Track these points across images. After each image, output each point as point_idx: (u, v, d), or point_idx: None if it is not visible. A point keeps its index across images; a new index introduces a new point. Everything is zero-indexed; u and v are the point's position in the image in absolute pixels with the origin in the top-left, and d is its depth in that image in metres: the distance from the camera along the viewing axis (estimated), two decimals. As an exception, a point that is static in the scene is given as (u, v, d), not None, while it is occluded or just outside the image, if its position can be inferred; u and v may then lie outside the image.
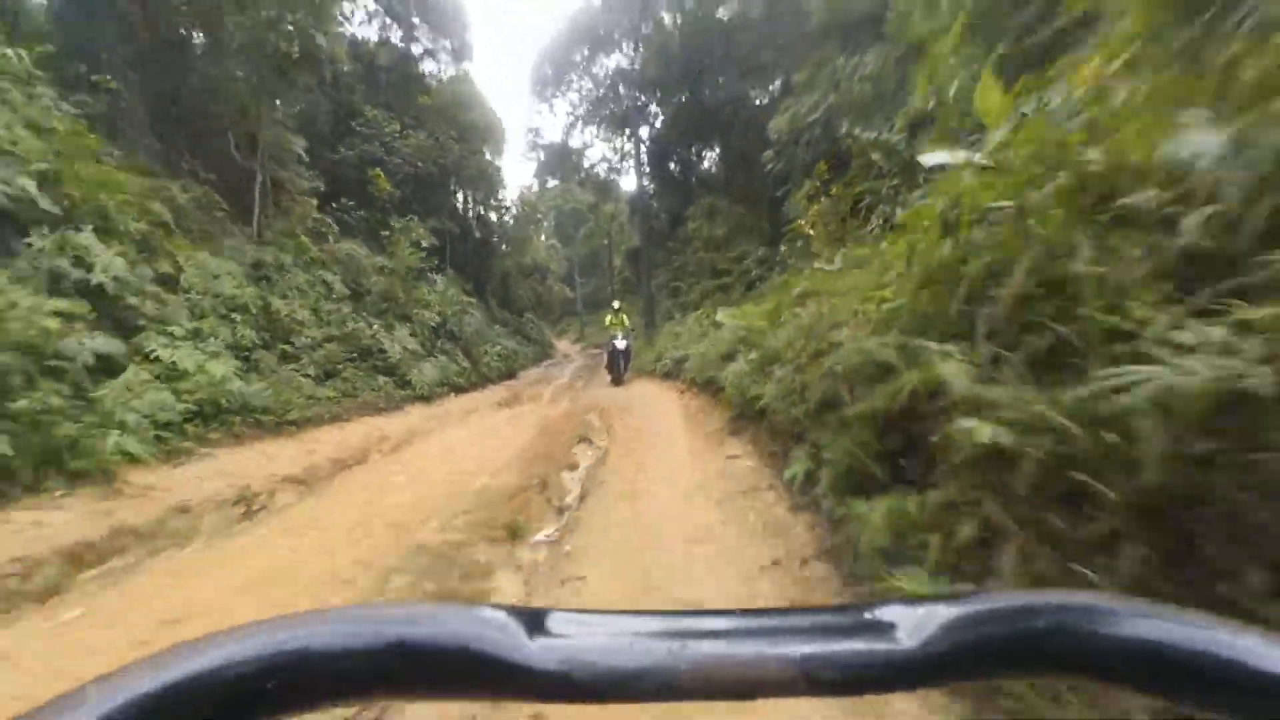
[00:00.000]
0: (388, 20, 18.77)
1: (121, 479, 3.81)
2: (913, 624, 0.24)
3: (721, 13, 17.12)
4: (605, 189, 34.00)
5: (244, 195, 8.91)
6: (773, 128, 10.55)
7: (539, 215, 36.59)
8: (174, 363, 5.05)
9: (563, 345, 30.09)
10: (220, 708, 0.20)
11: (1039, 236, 1.86)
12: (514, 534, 2.93)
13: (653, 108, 24.53)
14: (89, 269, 4.96)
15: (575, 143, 30.05)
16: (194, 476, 4.14)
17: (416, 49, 20.51)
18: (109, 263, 5.12)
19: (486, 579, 2.50)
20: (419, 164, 15.60)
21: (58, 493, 3.50)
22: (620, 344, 10.75)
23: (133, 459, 4.02)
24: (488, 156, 22.27)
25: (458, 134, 18.27)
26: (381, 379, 8.03)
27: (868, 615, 0.24)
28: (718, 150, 21.51)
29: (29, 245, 4.78)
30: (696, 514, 3.12)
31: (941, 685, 0.24)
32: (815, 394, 3.00)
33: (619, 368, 10.73)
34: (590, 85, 28.78)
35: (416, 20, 19.76)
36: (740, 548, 2.63)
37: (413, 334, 9.92)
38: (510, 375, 14.03)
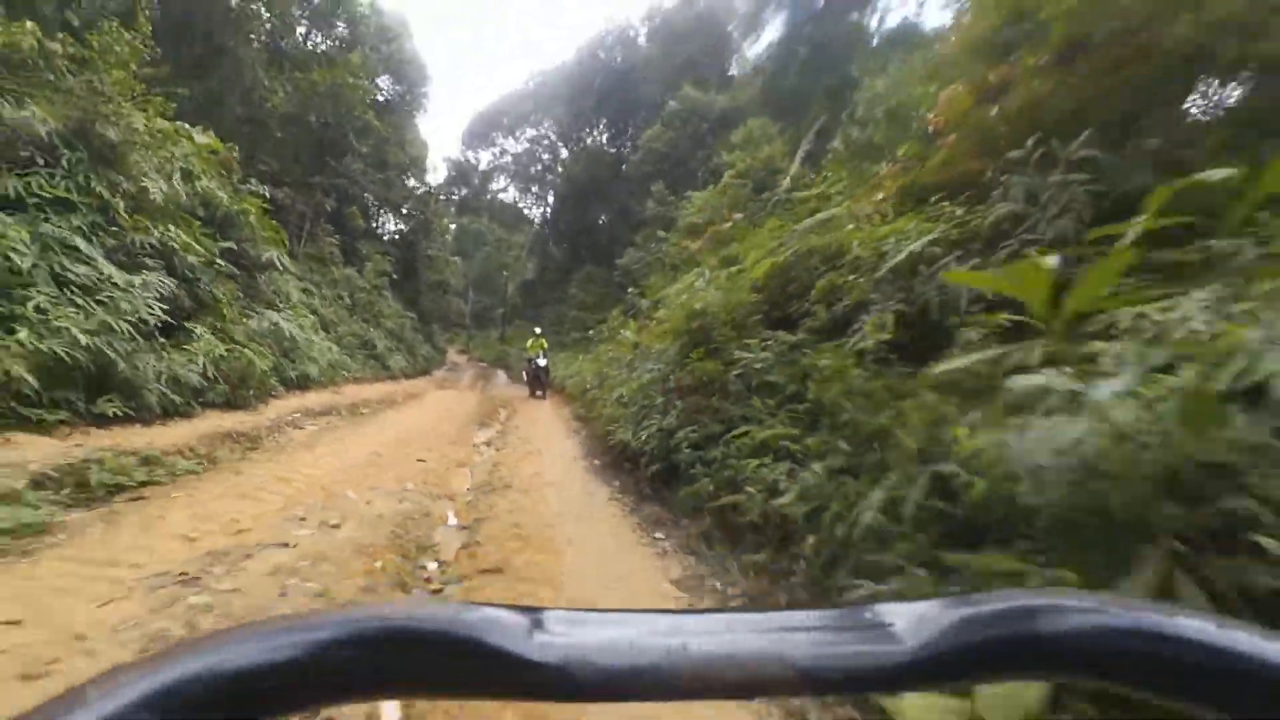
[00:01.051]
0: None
1: (313, 389, 9.04)
2: (913, 624, 0.24)
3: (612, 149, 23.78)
4: (512, 224, 39.64)
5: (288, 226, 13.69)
6: (621, 263, 16.99)
7: (446, 235, 40.98)
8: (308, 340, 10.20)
9: (450, 354, 33.12)
10: (219, 707, 0.20)
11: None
12: (488, 420, 8.76)
13: (559, 173, 30.85)
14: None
15: (492, 184, 35.75)
16: (346, 392, 9.47)
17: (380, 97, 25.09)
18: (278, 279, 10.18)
19: (483, 427, 8.31)
20: (374, 198, 20.43)
21: (297, 391, 8.71)
22: (541, 362, 12.09)
23: (316, 380, 9.26)
24: (426, 186, 27.00)
25: (402, 171, 23.17)
26: (373, 362, 13.16)
27: (867, 615, 0.24)
28: (605, 220, 28.01)
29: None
30: (550, 421, 9.16)
31: (942, 685, 0.23)
32: (591, 393, 9.18)
33: (540, 382, 12.06)
34: (511, 143, 34.80)
35: (386, 79, 24.47)
36: (560, 429, 8.68)
37: (381, 335, 15.00)
38: (426, 372, 19.07)
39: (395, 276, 20.05)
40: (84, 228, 5.38)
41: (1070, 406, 1.57)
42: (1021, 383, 1.73)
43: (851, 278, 3.57)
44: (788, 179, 8.54)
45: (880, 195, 4.33)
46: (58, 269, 4.87)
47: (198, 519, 3.20)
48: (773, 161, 9.95)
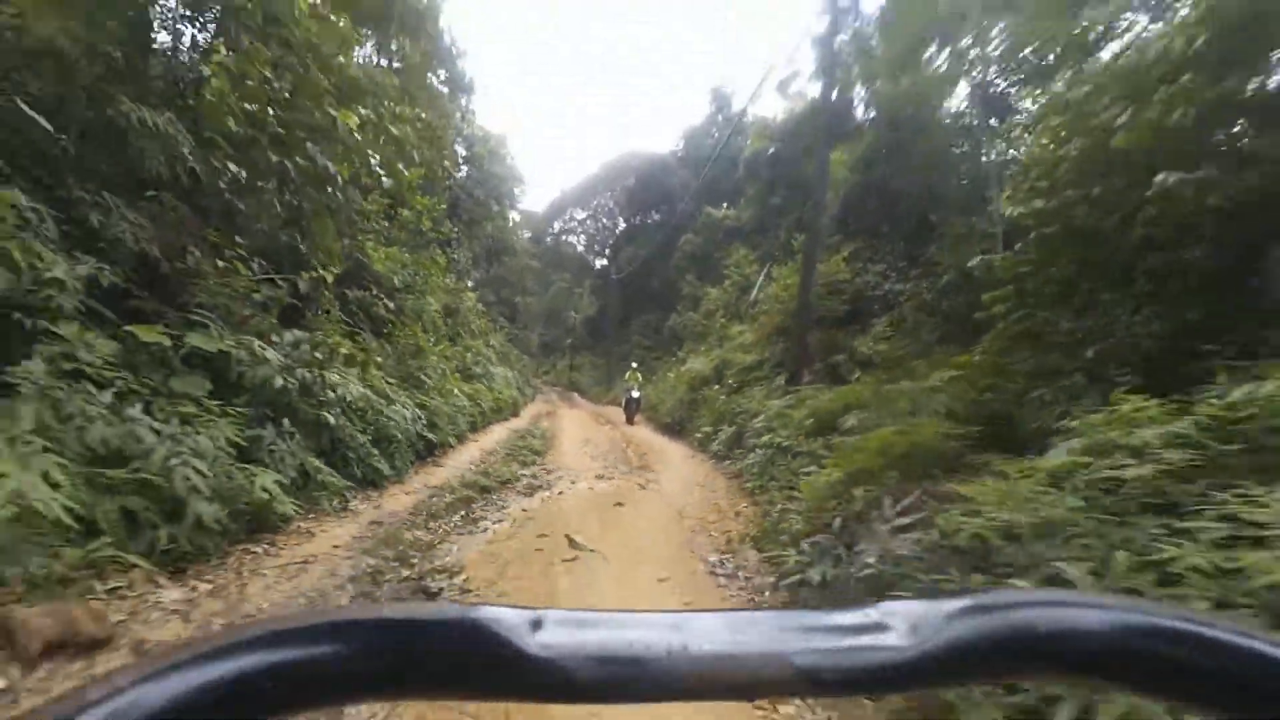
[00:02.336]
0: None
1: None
2: (913, 624, 0.24)
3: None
4: (581, 273, 48.96)
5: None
6: (668, 324, 25.25)
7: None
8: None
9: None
10: (221, 708, 0.20)
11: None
12: (606, 422, 17.14)
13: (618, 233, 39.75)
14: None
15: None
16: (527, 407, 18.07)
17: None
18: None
19: (610, 425, 16.65)
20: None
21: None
22: (635, 394, 14.76)
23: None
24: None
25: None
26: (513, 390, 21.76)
27: (868, 615, 0.24)
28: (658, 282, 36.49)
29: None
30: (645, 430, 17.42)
31: (942, 685, 0.24)
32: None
33: (632, 409, 14.69)
34: (579, 212, 44.32)
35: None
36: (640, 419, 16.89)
37: (510, 368, 23.68)
38: (532, 398, 27.71)
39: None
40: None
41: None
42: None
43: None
44: (753, 295, 16.52)
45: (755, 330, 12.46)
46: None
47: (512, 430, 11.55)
48: (750, 279, 17.86)
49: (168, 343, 3.93)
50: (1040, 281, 4.47)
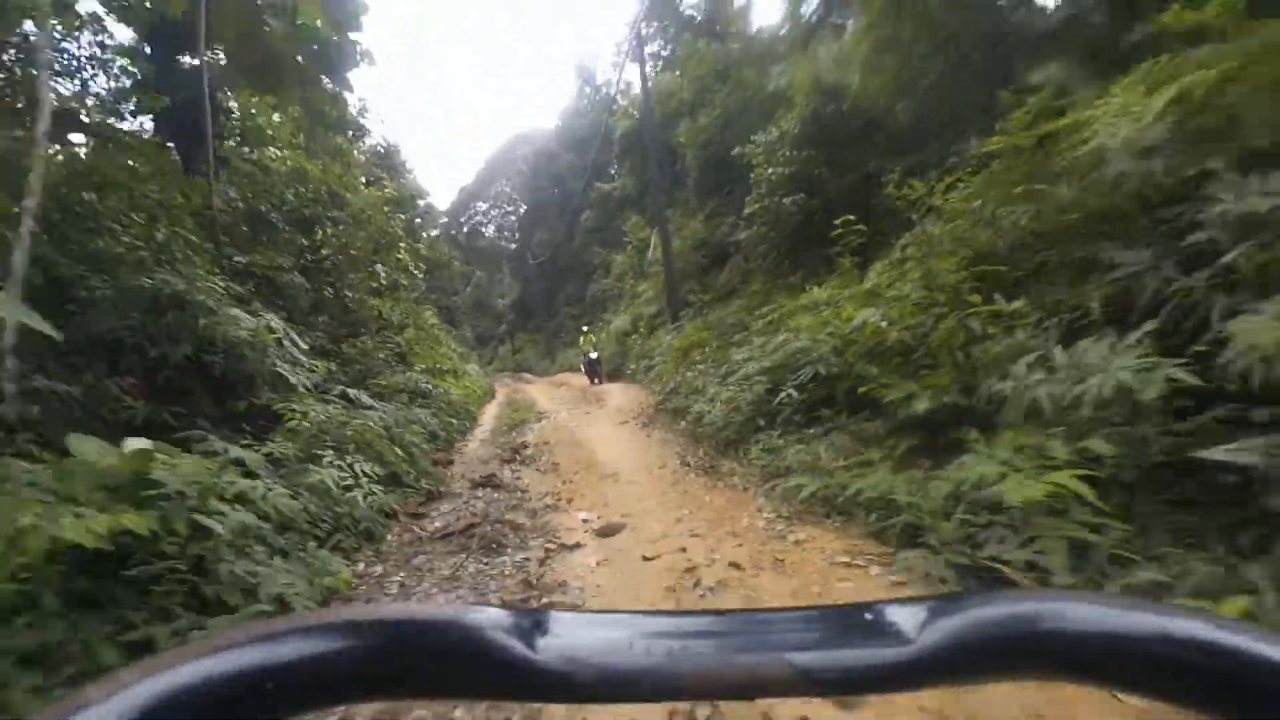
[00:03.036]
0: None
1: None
2: (913, 624, 0.24)
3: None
4: (495, 259, 51.57)
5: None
6: (590, 291, 29.33)
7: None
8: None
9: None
10: (221, 707, 0.21)
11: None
12: (563, 385, 21.40)
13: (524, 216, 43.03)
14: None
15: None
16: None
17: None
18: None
19: (566, 387, 20.91)
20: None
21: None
22: (593, 355, 15.42)
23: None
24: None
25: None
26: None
27: (868, 615, 0.24)
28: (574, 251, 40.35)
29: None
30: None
31: (941, 685, 0.23)
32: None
33: (595, 371, 15.01)
34: (481, 204, 46.94)
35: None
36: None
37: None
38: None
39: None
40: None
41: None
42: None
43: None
44: (649, 255, 20.82)
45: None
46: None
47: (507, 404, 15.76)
48: (646, 240, 22.09)
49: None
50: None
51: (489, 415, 11.87)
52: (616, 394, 12.87)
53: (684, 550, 3.38)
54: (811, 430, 4.65)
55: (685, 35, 20.10)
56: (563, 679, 0.22)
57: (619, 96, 26.89)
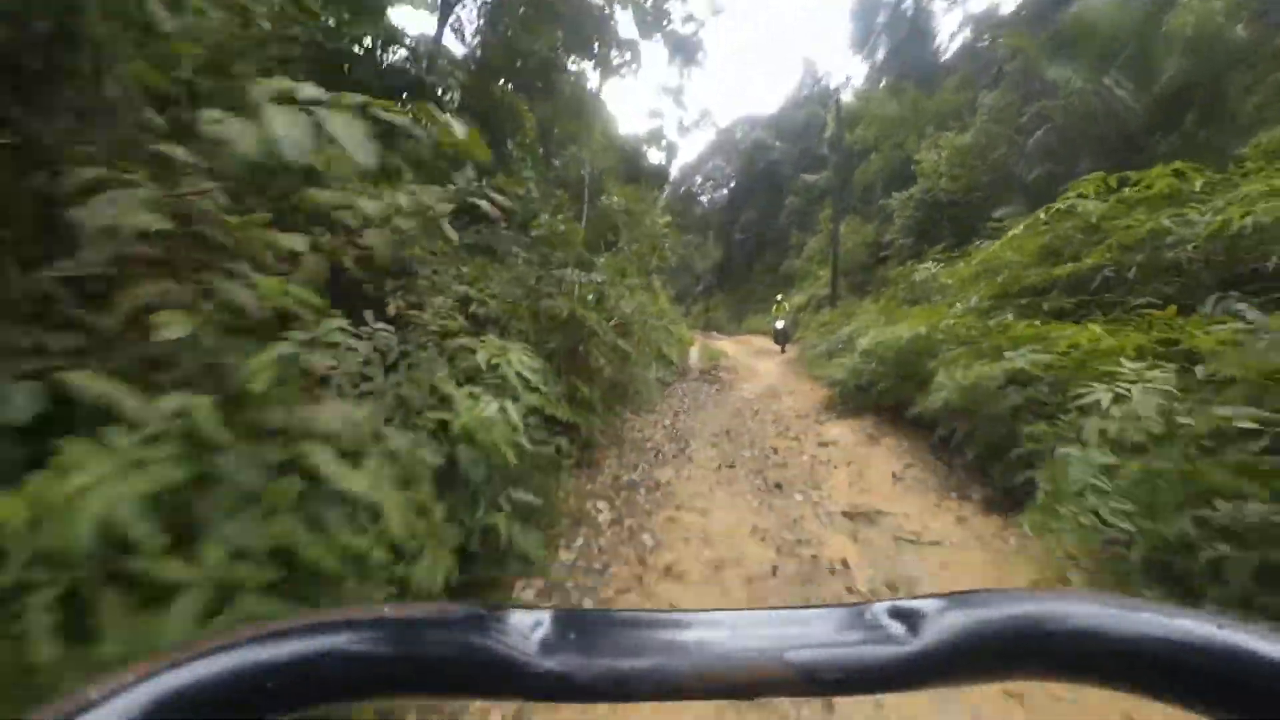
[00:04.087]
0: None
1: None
2: (913, 622, 0.24)
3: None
4: (704, 226, 57.67)
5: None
6: (782, 269, 33.78)
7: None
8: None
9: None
10: (221, 707, 0.21)
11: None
12: (744, 343, 26.84)
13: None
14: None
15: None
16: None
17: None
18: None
19: (745, 344, 26.31)
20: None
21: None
22: (780, 325, 17.28)
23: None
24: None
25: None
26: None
27: (868, 615, 0.24)
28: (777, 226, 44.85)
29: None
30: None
31: (942, 685, 0.23)
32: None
33: (784, 338, 16.68)
34: (701, 178, 53.03)
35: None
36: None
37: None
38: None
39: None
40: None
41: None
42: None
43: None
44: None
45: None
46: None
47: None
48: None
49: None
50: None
51: (694, 352, 17.90)
52: (790, 352, 17.97)
53: (773, 386, 9.17)
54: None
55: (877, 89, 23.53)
56: (563, 678, 0.23)
57: (834, 99, 30.61)
